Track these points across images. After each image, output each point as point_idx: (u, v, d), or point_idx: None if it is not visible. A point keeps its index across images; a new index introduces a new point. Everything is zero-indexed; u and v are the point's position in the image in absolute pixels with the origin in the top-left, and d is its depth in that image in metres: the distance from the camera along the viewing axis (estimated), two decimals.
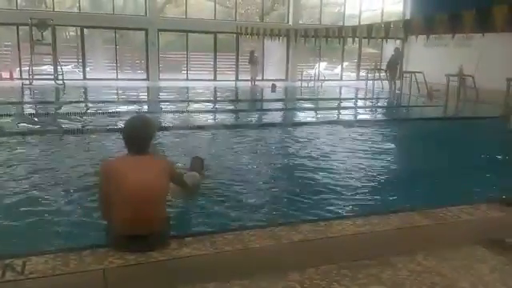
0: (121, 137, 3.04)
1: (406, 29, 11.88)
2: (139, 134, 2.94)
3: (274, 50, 21.78)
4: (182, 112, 11.19)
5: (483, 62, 15.15)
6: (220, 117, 11.20)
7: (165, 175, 2.96)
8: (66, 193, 4.62)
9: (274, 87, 17.17)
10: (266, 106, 13.64)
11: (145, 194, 2.79)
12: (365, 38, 13.75)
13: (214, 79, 21.21)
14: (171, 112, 11.15)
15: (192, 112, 11.38)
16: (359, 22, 20.47)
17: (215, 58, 21.39)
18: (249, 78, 19.75)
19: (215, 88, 18.13)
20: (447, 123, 11.24)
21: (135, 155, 2.92)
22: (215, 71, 21.49)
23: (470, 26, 9.07)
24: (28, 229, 3.72)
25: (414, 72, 16.15)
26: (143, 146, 2.94)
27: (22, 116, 9.61)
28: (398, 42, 19.44)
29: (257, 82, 19.32)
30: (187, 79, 20.77)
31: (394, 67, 17.78)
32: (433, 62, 17.57)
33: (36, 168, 5.56)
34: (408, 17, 19.26)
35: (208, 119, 10.64)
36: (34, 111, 11.08)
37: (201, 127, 8.85)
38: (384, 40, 15.35)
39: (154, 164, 2.96)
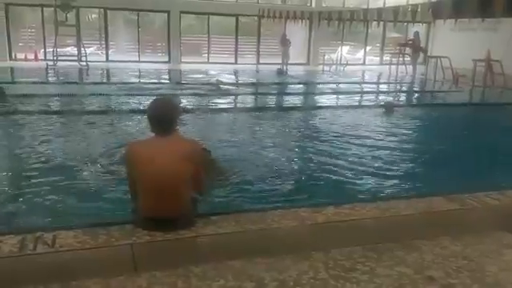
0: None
1: (434, 12, 11.51)
2: (162, 116, 2.91)
3: (296, 34, 21.46)
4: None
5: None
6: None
7: (189, 158, 2.89)
8: (95, 170, 4.71)
9: (280, 71, 17.57)
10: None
11: (168, 180, 2.78)
12: (390, 21, 13.41)
13: (235, 62, 21.13)
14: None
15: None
16: (384, 5, 19.98)
17: (236, 41, 21.26)
18: (272, 62, 19.46)
19: (236, 71, 18.10)
20: (474, 109, 10.99)
21: (160, 137, 2.91)
22: (236, 54, 21.40)
23: (501, 9, 8.75)
24: (58, 204, 3.81)
25: (440, 57, 15.76)
26: (167, 128, 2.91)
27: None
28: (423, 25, 18.92)
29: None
30: (208, 62, 20.72)
31: (417, 50, 17.30)
32: (459, 46, 17.09)
33: (68, 145, 5.69)
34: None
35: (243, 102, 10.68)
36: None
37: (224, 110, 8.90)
38: (410, 24, 14.92)
39: (179, 146, 2.91)
